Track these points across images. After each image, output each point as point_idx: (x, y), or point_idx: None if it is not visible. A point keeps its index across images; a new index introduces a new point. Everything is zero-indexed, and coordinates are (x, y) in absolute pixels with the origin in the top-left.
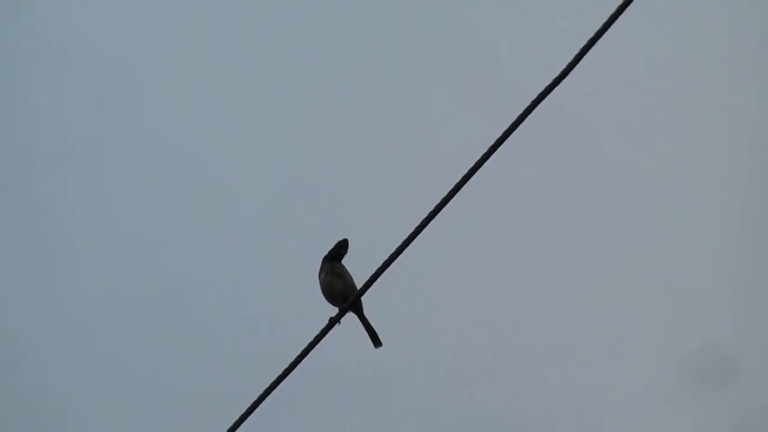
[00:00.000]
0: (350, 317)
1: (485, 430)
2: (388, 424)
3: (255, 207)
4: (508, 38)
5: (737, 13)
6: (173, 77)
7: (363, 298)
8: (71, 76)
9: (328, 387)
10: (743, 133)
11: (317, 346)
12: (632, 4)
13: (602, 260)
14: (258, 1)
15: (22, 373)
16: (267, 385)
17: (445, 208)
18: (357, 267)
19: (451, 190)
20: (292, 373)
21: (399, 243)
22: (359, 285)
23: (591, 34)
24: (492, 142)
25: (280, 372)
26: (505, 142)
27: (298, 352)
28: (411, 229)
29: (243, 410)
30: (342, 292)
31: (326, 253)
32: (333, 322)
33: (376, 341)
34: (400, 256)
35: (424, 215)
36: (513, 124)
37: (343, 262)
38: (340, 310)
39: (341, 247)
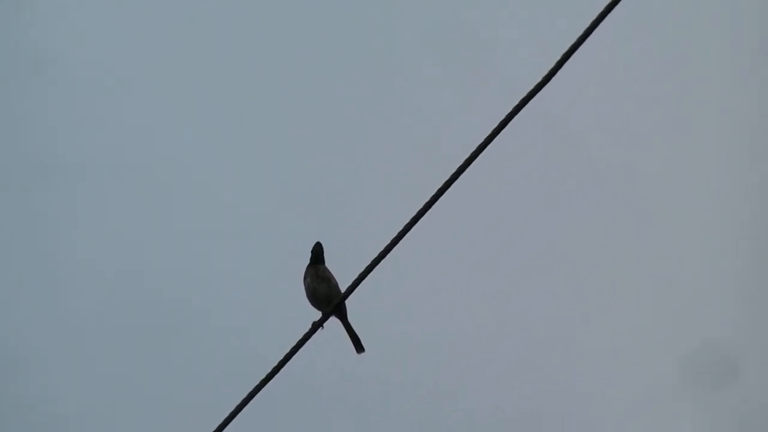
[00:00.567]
0: (334, 322)
1: None
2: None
3: (242, 212)
4: (508, 38)
5: (735, 9)
6: (167, 83)
7: (347, 303)
8: (65, 86)
9: (311, 393)
10: (743, 133)
11: (301, 351)
12: (627, 1)
13: (602, 260)
14: (257, 2)
15: (22, 380)
16: (249, 389)
17: (434, 209)
18: (342, 270)
19: (438, 191)
20: (276, 377)
21: (384, 246)
22: (344, 289)
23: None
24: (484, 138)
25: (262, 376)
26: (502, 141)
27: (281, 357)
28: (395, 232)
29: (226, 415)
30: (326, 296)
31: (312, 254)
32: (316, 326)
33: (359, 347)
34: (386, 259)
35: (409, 218)
36: (501, 122)
37: (329, 264)
38: (323, 314)
39: (317, 252)
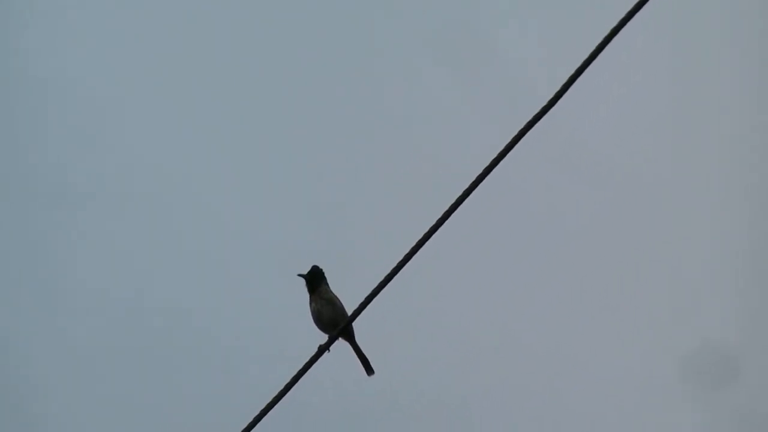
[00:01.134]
0: (343, 345)
1: None
2: None
3: (249, 225)
4: (509, 38)
5: (736, 13)
6: (167, 95)
7: (355, 325)
8: (65, 112)
9: (320, 416)
10: (743, 135)
11: (309, 373)
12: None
13: (602, 261)
14: (257, 3)
15: (25, 400)
16: (256, 413)
17: (441, 227)
18: (349, 291)
19: (445, 213)
20: (284, 401)
21: (390, 268)
22: (350, 311)
23: (594, 35)
24: (493, 148)
25: (269, 399)
26: (505, 148)
27: (288, 380)
28: (406, 242)
29: None
30: (331, 319)
31: (306, 279)
32: (322, 350)
33: (369, 369)
34: (394, 281)
35: (418, 237)
36: (512, 140)
37: (333, 287)
38: (329, 337)
39: (315, 276)
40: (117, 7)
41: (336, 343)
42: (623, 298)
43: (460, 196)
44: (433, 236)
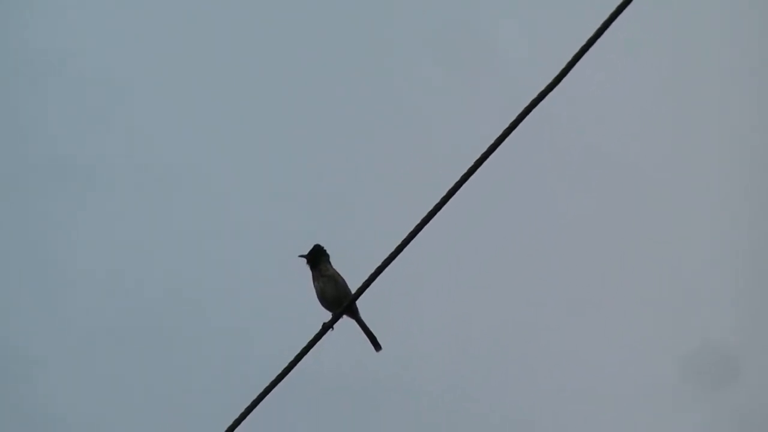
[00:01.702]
0: (349, 322)
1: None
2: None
3: (249, 213)
4: (508, 37)
5: (738, 13)
6: (170, 85)
7: (360, 302)
8: (65, 93)
9: (325, 393)
10: (744, 134)
11: (314, 351)
12: (633, 6)
13: (602, 261)
14: (257, 2)
15: (23, 382)
16: (260, 391)
17: (442, 210)
18: (353, 270)
19: (447, 193)
20: (288, 378)
21: (395, 246)
22: (354, 288)
23: (592, 33)
24: (491, 142)
25: (273, 377)
26: (505, 143)
27: (292, 358)
28: (407, 232)
29: (236, 416)
30: (334, 296)
31: (308, 258)
32: (326, 327)
33: (376, 345)
34: (398, 259)
35: (420, 218)
36: (509, 126)
37: (336, 264)
38: (333, 315)
39: (315, 253)
40: None
41: (342, 320)
42: (623, 298)
43: (462, 176)
44: (434, 220)
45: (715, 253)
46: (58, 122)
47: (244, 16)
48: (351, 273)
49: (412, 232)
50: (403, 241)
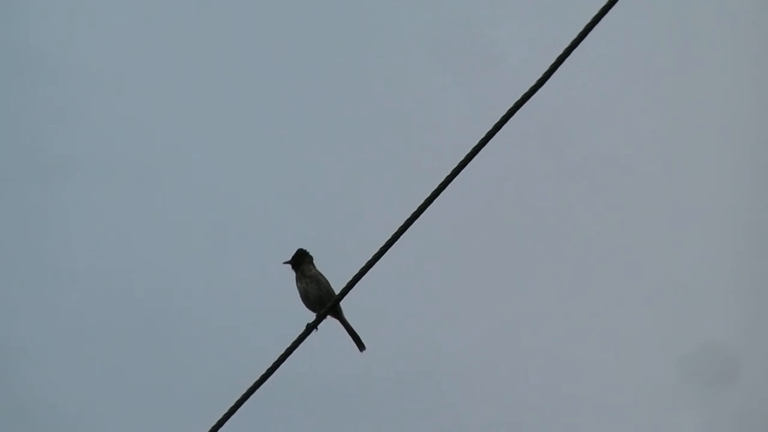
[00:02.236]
0: (333, 323)
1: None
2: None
3: (237, 211)
4: (506, 36)
5: (735, 7)
6: (162, 79)
7: (344, 303)
8: (58, 83)
9: (311, 394)
10: (744, 135)
11: (296, 352)
12: (630, 2)
13: (602, 261)
14: None
15: (14, 375)
16: (243, 391)
17: (431, 209)
18: (338, 270)
19: (435, 190)
20: (274, 379)
21: (379, 247)
22: (338, 289)
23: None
24: (482, 137)
25: (257, 378)
26: (503, 139)
27: (275, 359)
28: (391, 233)
29: (220, 416)
30: (317, 297)
31: (291, 262)
32: (310, 328)
33: (360, 345)
34: (381, 261)
35: (405, 218)
36: (502, 118)
37: (320, 266)
38: (317, 315)
39: (300, 256)
40: None
41: (326, 321)
42: (623, 298)
43: (452, 171)
44: (422, 220)
45: (715, 253)
46: (48, 115)
47: (238, 10)
48: (337, 274)
49: (395, 233)
50: (387, 242)
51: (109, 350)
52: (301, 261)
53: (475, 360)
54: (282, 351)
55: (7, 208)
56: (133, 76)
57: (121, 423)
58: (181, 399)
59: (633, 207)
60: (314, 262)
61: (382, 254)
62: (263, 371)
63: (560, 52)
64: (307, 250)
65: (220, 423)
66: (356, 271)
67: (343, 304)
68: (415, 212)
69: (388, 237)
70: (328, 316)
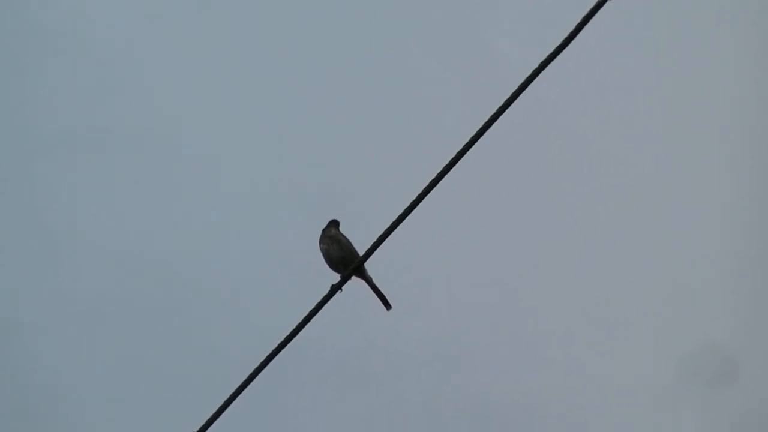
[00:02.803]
0: (359, 285)
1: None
2: (385, 402)
3: (257, 180)
4: (508, 35)
5: (734, 4)
6: (173, 60)
7: (369, 264)
8: (71, 61)
9: (330, 361)
10: (743, 134)
11: (321, 317)
12: None
13: (602, 261)
14: None
15: (25, 356)
16: (268, 352)
17: (444, 187)
18: (364, 234)
19: (445, 167)
20: (297, 343)
21: (401, 211)
22: (362, 251)
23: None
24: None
25: (281, 339)
26: (504, 146)
27: (300, 320)
28: (414, 195)
29: (244, 378)
30: (339, 257)
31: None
32: (335, 289)
33: (386, 304)
34: (402, 226)
35: (421, 188)
36: (513, 93)
37: (346, 230)
38: (342, 277)
39: (330, 223)
40: None
41: (352, 283)
42: (623, 298)
43: (453, 158)
44: (432, 199)
45: (715, 253)
46: (61, 82)
47: (238, 10)
48: (362, 234)
49: (419, 194)
50: (411, 202)
51: (126, 323)
52: (328, 226)
53: (473, 356)
54: (306, 312)
55: (19, 183)
56: (150, 53)
57: (138, 396)
58: (205, 363)
59: (633, 207)
60: (340, 227)
61: (407, 215)
62: (287, 333)
63: (562, 39)
64: (337, 219)
65: (244, 385)
66: (380, 233)
67: (368, 265)
68: (440, 172)
69: (413, 198)
70: (353, 277)
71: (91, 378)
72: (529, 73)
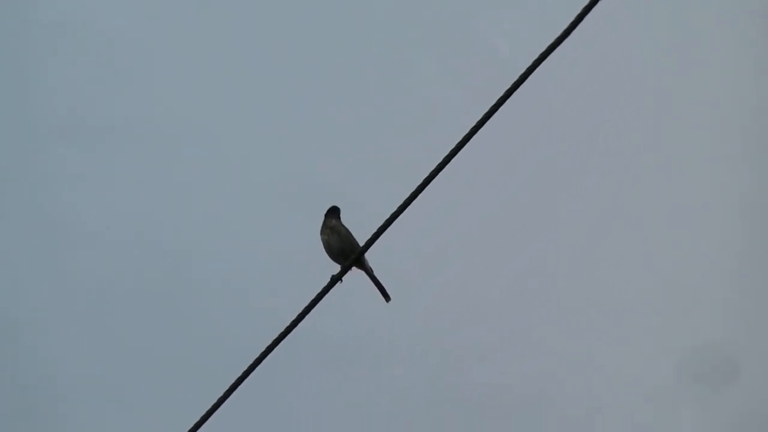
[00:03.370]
0: (358, 276)
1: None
2: (384, 393)
3: (260, 169)
4: (508, 35)
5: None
6: (176, 50)
7: (369, 256)
8: (75, 50)
9: (329, 352)
10: (743, 134)
11: (321, 308)
12: None
13: (602, 260)
14: None
15: (23, 348)
16: (268, 343)
17: (436, 186)
18: (364, 225)
19: (446, 156)
20: (298, 333)
21: (401, 201)
22: (362, 241)
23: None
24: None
25: (282, 329)
26: (505, 141)
27: (300, 310)
28: (415, 186)
29: (245, 367)
30: (339, 248)
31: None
32: (335, 280)
33: (386, 295)
34: (406, 213)
35: (422, 179)
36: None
37: (345, 221)
38: (342, 267)
39: (330, 210)
40: None
41: (352, 274)
42: (622, 298)
43: (454, 148)
44: (445, 172)
45: (715, 253)
46: (68, 72)
47: (238, 10)
48: (362, 227)
49: (420, 185)
50: (412, 193)
51: (128, 310)
52: (328, 215)
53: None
54: (306, 303)
55: (18, 174)
56: (154, 44)
57: (138, 386)
58: (204, 356)
59: (632, 207)
60: (340, 216)
61: (407, 205)
62: (288, 324)
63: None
64: (338, 206)
65: (245, 375)
66: (380, 224)
67: (369, 256)
68: (439, 164)
69: (413, 189)
70: (354, 268)
71: (90, 369)
72: (529, 67)
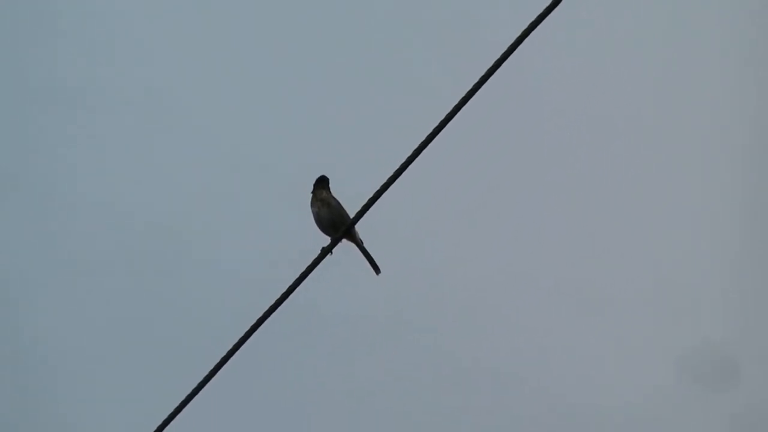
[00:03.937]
0: (348, 249)
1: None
2: (375, 366)
3: (246, 141)
4: (508, 34)
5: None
6: (165, 17)
7: (360, 228)
8: (61, 19)
9: (319, 328)
10: (743, 134)
11: (312, 282)
12: None
13: (602, 260)
14: None
15: (16, 317)
16: (259, 316)
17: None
18: (356, 196)
19: (434, 130)
20: (288, 308)
21: (391, 173)
22: (352, 214)
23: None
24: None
25: (272, 302)
26: (500, 122)
27: (290, 283)
28: (404, 157)
29: (234, 342)
30: (330, 220)
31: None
32: (325, 252)
33: (376, 268)
34: (395, 186)
35: (411, 150)
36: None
37: (335, 193)
38: (332, 239)
39: (318, 180)
40: None
41: (342, 246)
42: (622, 298)
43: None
44: (438, 140)
45: (714, 253)
46: (55, 38)
47: (238, 10)
48: (353, 199)
49: (409, 156)
50: (401, 165)
51: (116, 286)
52: (318, 185)
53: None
54: (297, 275)
55: (7, 144)
56: (142, 11)
57: (127, 358)
58: (194, 328)
59: (633, 206)
60: (329, 186)
61: (397, 176)
62: (278, 296)
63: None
64: (326, 176)
65: (235, 348)
66: (370, 195)
67: (359, 228)
68: (429, 134)
69: (403, 160)
70: (344, 240)
71: (77, 340)
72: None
